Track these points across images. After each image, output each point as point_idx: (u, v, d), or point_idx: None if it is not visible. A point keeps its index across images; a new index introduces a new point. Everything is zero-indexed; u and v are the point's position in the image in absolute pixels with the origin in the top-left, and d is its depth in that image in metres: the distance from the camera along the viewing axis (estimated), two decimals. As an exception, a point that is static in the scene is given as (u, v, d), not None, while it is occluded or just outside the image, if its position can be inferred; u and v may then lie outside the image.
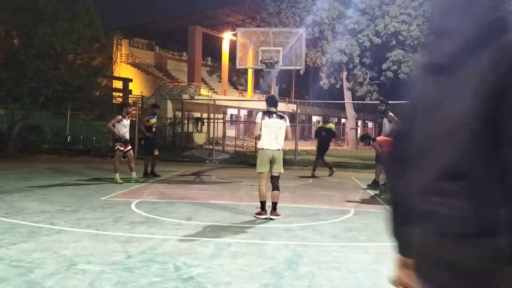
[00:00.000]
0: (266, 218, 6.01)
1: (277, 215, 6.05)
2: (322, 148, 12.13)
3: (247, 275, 3.68)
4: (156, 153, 10.97)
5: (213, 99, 21.08)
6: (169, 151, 19.95)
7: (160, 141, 23.54)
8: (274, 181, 6.13)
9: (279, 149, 6.04)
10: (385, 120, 9.25)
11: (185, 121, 27.54)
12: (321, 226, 5.71)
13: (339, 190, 9.29)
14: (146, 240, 4.74)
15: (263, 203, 6.10)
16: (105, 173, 11.29)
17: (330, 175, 12.00)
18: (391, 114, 9.22)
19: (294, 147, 16.51)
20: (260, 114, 6.13)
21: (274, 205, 6.06)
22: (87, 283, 3.40)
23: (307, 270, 3.86)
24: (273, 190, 6.12)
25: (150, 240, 4.74)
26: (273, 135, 6.00)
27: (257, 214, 6.14)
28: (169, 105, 29.99)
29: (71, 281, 3.44)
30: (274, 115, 6.08)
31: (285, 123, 6.13)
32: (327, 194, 8.70)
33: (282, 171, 6.16)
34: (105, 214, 6.09)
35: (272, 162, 6.02)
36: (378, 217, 6.37)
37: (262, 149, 6.03)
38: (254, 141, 22.46)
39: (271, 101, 6.31)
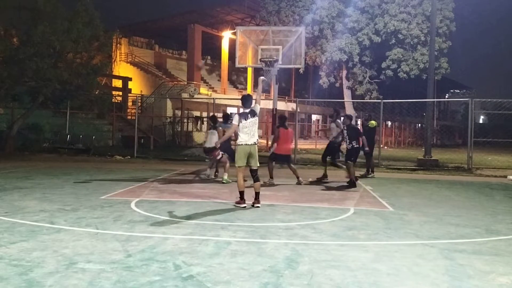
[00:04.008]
0: (245, 207, 6.69)
1: (259, 202, 6.84)
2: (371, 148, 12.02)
3: (247, 274, 3.68)
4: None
5: (213, 98, 21.08)
6: (169, 149, 19.96)
7: (160, 140, 23.63)
8: (254, 174, 6.94)
9: (255, 143, 6.88)
10: (333, 125, 10.44)
11: (185, 120, 27.53)
12: (320, 224, 5.72)
13: (338, 189, 9.30)
14: (145, 239, 4.74)
15: (242, 193, 6.82)
16: (105, 172, 11.31)
17: (363, 176, 11.61)
18: (339, 121, 10.35)
19: (293, 146, 16.52)
20: (236, 117, 6.89)
21: (257, 195, 6.87)
22: (86, 282, 3.40)
23: (306, 268, 3.86)
24: (254, 182, 6.92)
25: (150, 239, 4.74)
26: (251, 133, 6.85)
27: (237, 203, 6.84)
28: (169, 104, 29.97)
29: (70, 280, 3.44)
30: (249, 115, 6.86)
31: (257, 118, 6.98)
32: (326, 193, 8.71)
33: (258, 164, 6.98)
34: (104, 213, 6.10)
35: (249, 156, 6.84)
36: (378, 216, 6.38)
37: (242, 144, 6.81)
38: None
39: (247, 102, 7.03)
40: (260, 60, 13.95)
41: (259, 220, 5.92)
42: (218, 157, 10.00)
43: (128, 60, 39.56)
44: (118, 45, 38.02)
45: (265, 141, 25.83)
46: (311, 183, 10.22)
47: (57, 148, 17.70)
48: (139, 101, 29.96)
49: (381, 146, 20.02)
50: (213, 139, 9.75)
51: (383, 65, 28.20)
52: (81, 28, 15.60)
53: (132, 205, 6.73)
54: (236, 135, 7.02)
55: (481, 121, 55.36)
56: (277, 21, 28.91)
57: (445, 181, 11.58)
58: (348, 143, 9.77)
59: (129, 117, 27.83)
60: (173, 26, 39.54)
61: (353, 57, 28.15)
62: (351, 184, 9.52)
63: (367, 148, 10.20)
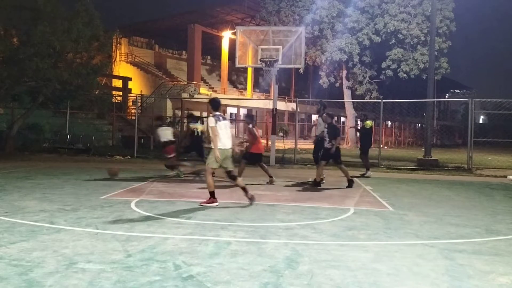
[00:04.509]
0: (217, 205, 6.77)
1: (250, 193, 6.98)
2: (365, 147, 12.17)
3: (247, 274, 3.69)
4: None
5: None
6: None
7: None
8: (232, 174, 7.01)
9: (231, 147, 6.95)
10: (320, 120, 10.17)
11: (185, 120, 27.53)
12: (320, 224, 5.72)
13: (338, 189, 9.30)
14: (145, 239, 4.74)
15: (213, 193, 6.87)
16: (105, 172, 11.29)
17: (363, 175, 11.73)
18: (326, 115, 10.09)
19: (294, 146, 16.53)
20: (212, 119, 6.74)
21: (245, 188, 6.97)
22: (86, 282, 3.40)
23: (306, 268, 3.86)
24: (234, 180, 7.02)
25: (150, 239, 4.74)
26: (228, 135, 6.88)
27: (207, 202, 6.81)
28: (169, 104, 29.97)
29: (70, 280, 3.44)
30: (221, 117, 6.86)
31: (229, 121, 7.08)
32: (326, 193, 8.71)
33: (233, 166, 7.09)
34: (104, 213, 6.10)
35: (226, 159, 6.87)
36: (378, 216, 6.38)
37: (221, 148, 6.75)
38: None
39: (217, 105, 6.99)
40: (260, 60, 13.95)
41: (259, 220, 5.92)
42: (170, 156, 10.41)
43: (128, 60, 39.57)
44: (118, 45, 38.02)
45: (265, 141, 25.84)
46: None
47: (57, 148, 17.70)
48: (139, 101, 29.96)
49: (381, 146, 20.03)
50: (167, 134, 10.40)
51: (383, 65, 28.20)
52: (81, 28, 15.59)
53: (132, 205, 6.73)
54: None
55: (481, 121, 55.41)
56: (277, 21, 28.91)
57: (445, 181, 11.58)
58: (328, 141, 9.56)
59: (129, 117, 27.84)
60: (173, 26, 39.56)
61: (353, 57, 28.16)
62: (316, 184, 9.57)
63: (332, 146, 9.59)
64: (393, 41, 27.49)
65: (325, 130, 9.68)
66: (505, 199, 8.58)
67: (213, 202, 6.84)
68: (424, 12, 26.75)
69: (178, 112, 28.23)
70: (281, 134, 27.02)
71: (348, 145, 29.85)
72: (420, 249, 4.62)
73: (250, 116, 10.50)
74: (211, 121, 6.74)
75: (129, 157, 16.18)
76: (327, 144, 9.59)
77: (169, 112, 29.05)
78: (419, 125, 51.56)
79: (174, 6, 78.31)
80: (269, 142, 18.91)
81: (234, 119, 37.19)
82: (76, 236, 4.81)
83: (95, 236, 4.81)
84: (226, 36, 38.44)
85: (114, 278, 3.49)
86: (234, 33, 17.71)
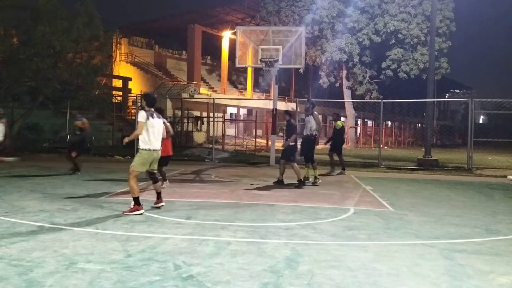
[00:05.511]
0: (142, 213, 6.05)
1: (162, 201, 6.56)
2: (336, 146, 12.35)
3: (247, 274, 3.69)
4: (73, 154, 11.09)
5: (213, 98, 21.09)
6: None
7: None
8: (154, 175, 6.53)
9: (160, 148, 6.40)
10: (310, 118, 10.03)
11: (185, 120, 27.54)
12: (320, 224, 5.72)
13: (338, 189, 9.30)
14: (145, 239, 4.74)
15: (137, 199, 6.14)
16: (105, 172, 11.31)
17: (329, 174, 11.94)
18: (316, 113, 10.16)
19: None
20: (144, 113, 6.12)
21: (159, 195, 6.54)
22: (87, 282, 3.40)
23: (306, 268, 3.86)
24: (155, 182, 6.53)
25: (150, 239, 4.74)
26: (157, 135, 6.28)
27: (132, 210, 6.05)
28: (169, 104, 29.97)
29: (71, 280, 3.44)
30: (154, 115, 6.27)
31: (162, 121, 6.58)
32: (326, 193, 8.71)
33: (157, 167, 6.55)
34: (104, 212, 6.10)
35: (153, 162, 6.34)
36: (378, 216, 6.38)
37: (149, 149, 6.16)
38: (254, 140, 22.44)
39: (152, 101, 6.34)
40: (260, 60, 13.95)
41: (259, 220, 5.92)
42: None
43: (128, 60, 39.57)
44: (118, 45, 38.03)
45: (264, 141, 25.84)
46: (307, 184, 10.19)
47: (57, 148, 17.71)
48: (139, 101, 29.96)
49: (381, 146, 20.03)
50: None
51: (383, 65, 28.21)
52: (81, 28, 15.60)
53: (132, 205, 6.71)
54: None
55: (481, 121, 55.44)
56: (277, 21, 28.91)
57: (445, 181, 11.58)
58: (285, 139, 9.70)
59: (129, 117, 27.85)
60: (173, 26, 39.56)
61: (353, 57, 28.15)
62: (300, 183, 9.32)
63: (291, 143, 9.53)
64: (393, 41, 27.50)
65: (284, 127, 9.77)
66: (505, 199, 8.58)
67: (137, 210, 6.06)
68: (424, 12, 26.75)
69: (178, 112, 28.23)
70: (281, 134, 27.02)
71: (348, 145, 29.84)
72: (420, 249, 4.63)
73: (159, 109, 9.24)
74: (142, 115, 6.07)
75: (129, 157, 16.17)
76: (284, 142, 9.72)
77: (169, 112, 29.04)
78: (419, 125, 51.55)
79: (174, 6, 78.34)
80: (269, 142, 18.91)
81: (234, 119, 37.26)
82: (76, 236, 4.81)
83: (95, 236, 4.81)
84: (226, 36, 38.45)
85: (114, 278, 3.49)
86: (234, 33, 17.71)
